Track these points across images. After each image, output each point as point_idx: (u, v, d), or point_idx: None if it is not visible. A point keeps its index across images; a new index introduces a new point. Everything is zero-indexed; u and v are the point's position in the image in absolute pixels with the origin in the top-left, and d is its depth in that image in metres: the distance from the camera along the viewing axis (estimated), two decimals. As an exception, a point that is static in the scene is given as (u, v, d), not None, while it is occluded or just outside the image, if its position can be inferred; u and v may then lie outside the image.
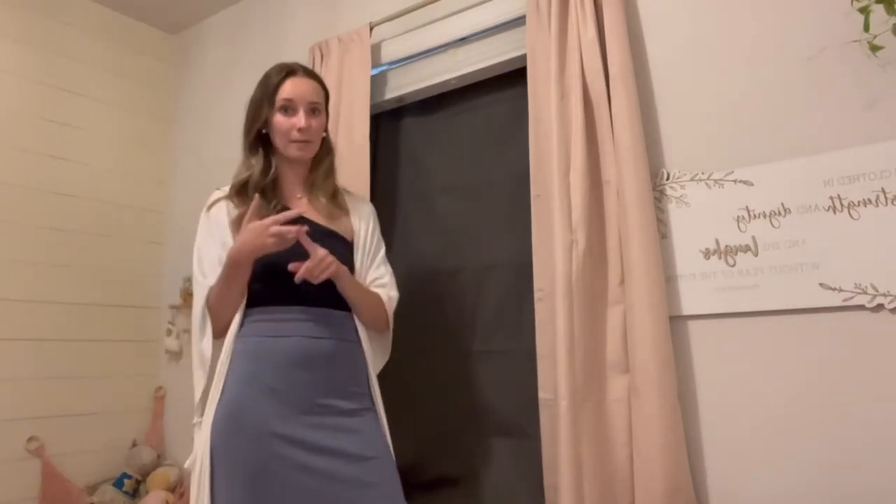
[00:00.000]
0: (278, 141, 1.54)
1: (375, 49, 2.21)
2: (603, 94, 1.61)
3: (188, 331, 2.76)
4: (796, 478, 1.40)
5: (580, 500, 1.48)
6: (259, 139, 1.57)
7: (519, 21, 1.90)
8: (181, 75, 3.08)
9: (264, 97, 1.54)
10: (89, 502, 2.45)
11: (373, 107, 2.16)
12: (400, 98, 2.23)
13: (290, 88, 1.53)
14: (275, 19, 2.70)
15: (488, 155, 2.04)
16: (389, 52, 2.22)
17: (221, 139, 2.83)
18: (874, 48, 1.33)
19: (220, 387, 1.39)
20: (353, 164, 2.07)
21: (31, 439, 2.41)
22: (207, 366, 1.43)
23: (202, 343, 1.45)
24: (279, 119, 1.52)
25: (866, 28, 1.30)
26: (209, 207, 1.56)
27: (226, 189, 1.57)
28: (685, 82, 1.63)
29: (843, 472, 1.35)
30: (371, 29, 2.18)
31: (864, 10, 1.29)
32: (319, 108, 1.57)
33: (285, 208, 1.49)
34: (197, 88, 2.99)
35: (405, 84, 2.19)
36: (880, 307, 1.34)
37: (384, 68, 2.24)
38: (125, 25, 2.95)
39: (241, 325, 1.44)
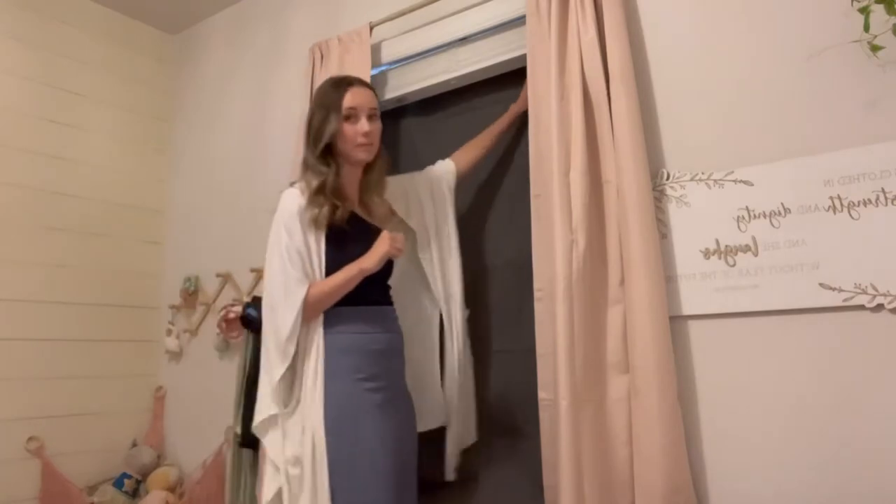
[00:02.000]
0: (345, 147, 1.66)
1: (375, 49, 2.21)
2: (603, 94, 1.61)
3: (188, 331, 2.77)
4: (796, 477, 1.40)
5: (580, 500, 1.48)
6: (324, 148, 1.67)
7: (519, 21, 1.89)
8: (181, 75, 3.08)
9: (330, 109, 1.65)
10: (89, 502, 2.45)
11: (373, 107, 2.15)
12: (400, 98, 2.22)
13: (352, 98, 1.66)
14: (275, 19, 2.70)
15: (488, 154, 2.04)
16: (389, 52, 2.22)
17: (221, 139, 2.83)
18: (874, 48, 1.33)
19: (320, 380, 1.54)
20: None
21: (31, 439, 2.41)
22: (290, 359, 1.55)
23: (290, 338, 1.54)
24: (346, 127, 1.64)
25: (866, 28, 1.30)
26: (294, 209, 1.62)
27: (301, 189, 1.65)
28: (685, 82, 1.63)
29: (844, 472, 1.35)
30: (371, 29, 2.18)
31: (864, 10, 1.29)
32: (376, 113, 1.71)
33: (345, 210, 1.63)
34: (197, 88, 3.00)
35: (405, 84, 2.19)
36: (880, 307, 1.34)
37: (384, 68, 2.24)
38: (125, 25, 2.95)
39: (326, 322, 1.58)
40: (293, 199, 1.63)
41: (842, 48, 1.42)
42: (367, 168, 1.75)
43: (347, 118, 1.64)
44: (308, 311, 1.56)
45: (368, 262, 1.57)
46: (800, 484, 1.39)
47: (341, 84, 1.69)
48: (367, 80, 2.12)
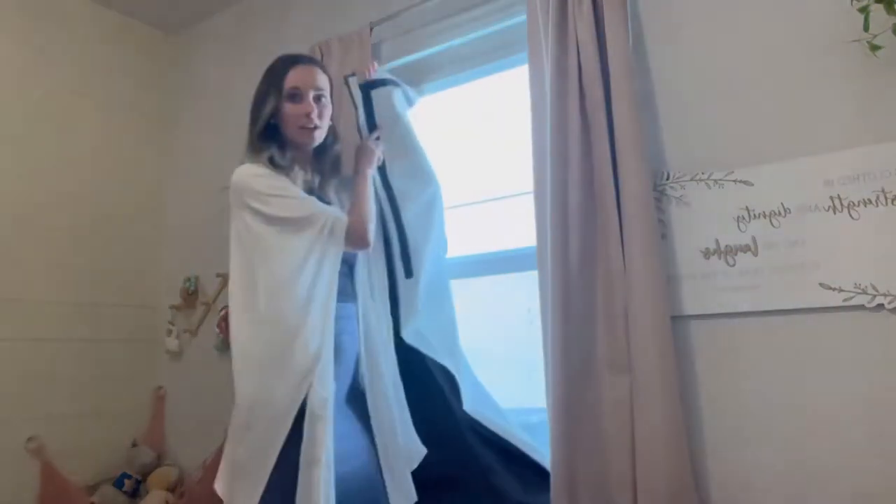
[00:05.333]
0: (288, 129, 1.56)
1: (375, 49, 2.21)
2: (602, 95, 1.61)
3: (188, 330, 2.76)
4: (799, 477, 1.40)
5: (580, 501, 1.48)
6: (266, 131, 1.56)
7: (519, 21, 1.90)
8: (181, 75, 3.08)
9: (271, 87, 1.56)
10: (89, 502, 2.44)
11: (373, 106, 2.15)
12: (400, 97, 2.22)
13: (296, 76, 1.56)
14: (275, 19, 2.70)
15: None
16: (389, 52, 2.22)
17: (221, 139, 2.83)
18: (874, 48, 1.33)
19: None
20: (353, 164, 2.07)
21: (30, 439, 2.41)
22: None
23: None
24: (288, 107, 1.55)
25: (866, 28, 1.30)
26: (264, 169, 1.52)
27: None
28: (685, 82, 1.63)
29: (844, 473, 1.35)
30: (371, 29, 2.18)
31: (864, 10, 1.29)
32: (325, 95, 1.60)
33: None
34: (197, 88, 2.99)
35: (405, 83, 2.19)
36: (880, 307, 1.34)
37: (384, 68, 2.24)
38: (125, 25, 2.95)
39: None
40: (253, 166, 1.51)
41: (842, 48, 1.42)
42: (317, 155, 1.64)
43: (291, 98, 1.55)
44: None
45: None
46: (801, 483, 1.39)
47: (287, 62, 1.59)
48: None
